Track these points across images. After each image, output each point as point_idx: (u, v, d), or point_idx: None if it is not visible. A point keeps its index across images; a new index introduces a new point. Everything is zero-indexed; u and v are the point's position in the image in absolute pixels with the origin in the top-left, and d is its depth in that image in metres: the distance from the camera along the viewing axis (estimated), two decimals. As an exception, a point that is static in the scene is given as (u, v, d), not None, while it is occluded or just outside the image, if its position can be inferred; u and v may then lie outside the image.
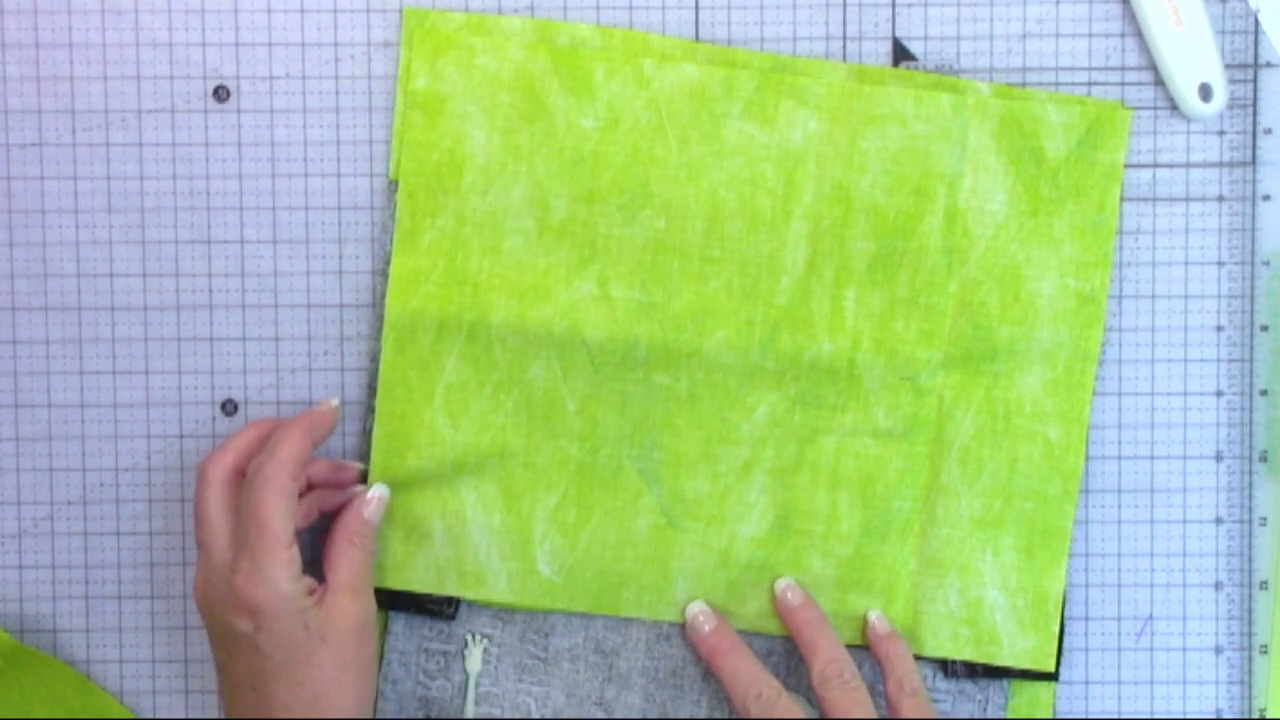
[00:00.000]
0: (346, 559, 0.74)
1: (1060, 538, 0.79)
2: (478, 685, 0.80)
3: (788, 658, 0.79)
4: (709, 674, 0.79)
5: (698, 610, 0.78)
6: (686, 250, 0.79)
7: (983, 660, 0.79)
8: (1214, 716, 0.80)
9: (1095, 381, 0.79)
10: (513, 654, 0.80)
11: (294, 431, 0.73)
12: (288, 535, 0.71)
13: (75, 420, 0.79)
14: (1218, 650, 0.80)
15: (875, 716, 0.74)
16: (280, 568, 0.71)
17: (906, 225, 0.78)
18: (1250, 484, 0.79)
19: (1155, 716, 0.80)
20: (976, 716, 0.79)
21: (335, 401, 0.77)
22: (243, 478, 0.74)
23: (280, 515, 0.71)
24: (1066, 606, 0.79)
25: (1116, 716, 0.80)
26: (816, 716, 0.75)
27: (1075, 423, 0.78)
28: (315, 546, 0.77)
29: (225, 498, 0.73)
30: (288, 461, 0.72)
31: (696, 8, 0.79)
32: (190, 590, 0.79)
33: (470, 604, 0.80)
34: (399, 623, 0.80)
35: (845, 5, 0.79)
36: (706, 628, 0.78)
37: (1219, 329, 0.79)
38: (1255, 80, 0.79)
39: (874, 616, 0.78)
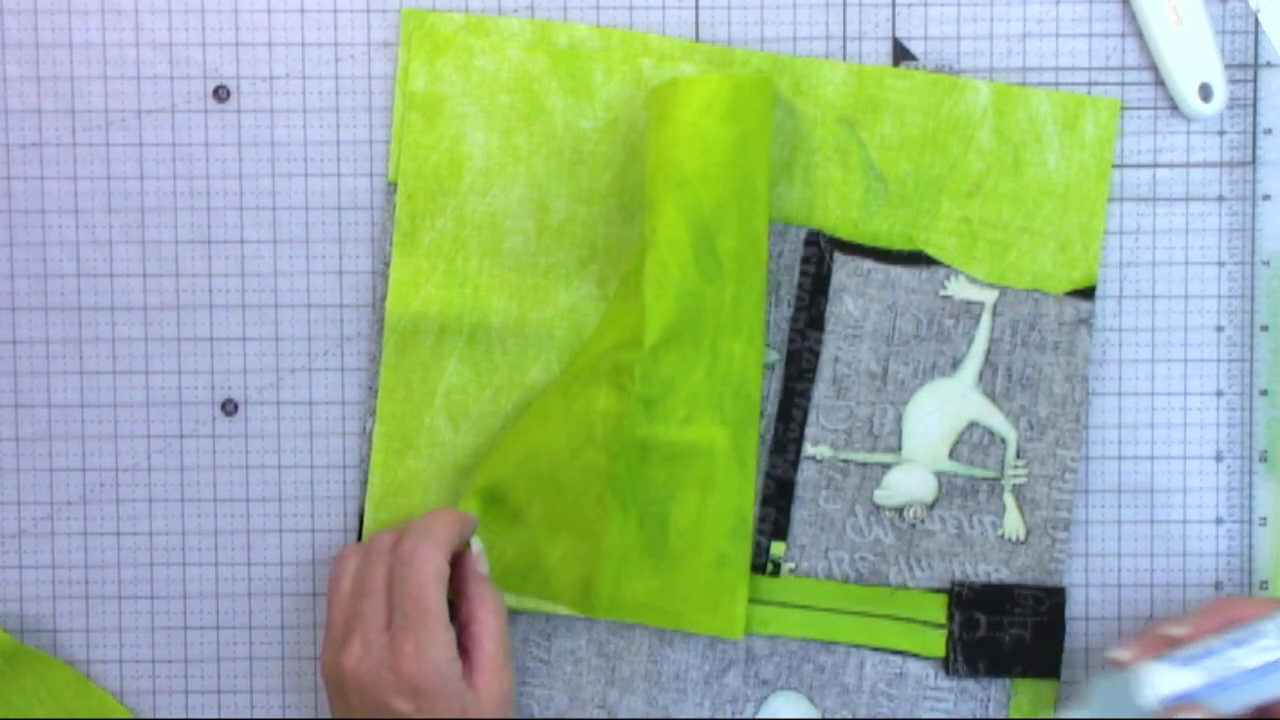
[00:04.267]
0: (488, 631, 0.72)
1: None
2: (479, 687, 0.80)
3: (789, 658, 0.79)
4: (710, 678, 0.79)
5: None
6: (687, 251, 0.79)
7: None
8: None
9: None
10: (515, 656, 0.80)
11: (448, 515, 0.73)
12: (446, 616, 0.70)
13: (75, 420, 0.79)
14: (1218, 650, 0.80)
15: None
16: (442, 649, 0.69)
17: (906, 225, 0.79)
18: (1250, 484, 0.80)
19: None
20: (979, 716, 0.79)
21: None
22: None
23: (440, 597, 0.70)
24: (1067, 606, 0.79)
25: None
26: None
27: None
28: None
29: (387, 572, 0.72)
30: (444, 542, 0.71)
31: (696, 8, 0.79)
32: (190, 590, 0.80)
33: (472, 606, 0.80)
34: (400, 624, 0.80)
35: (845, 5, 0.79)
36: None
37: (1219, 329, 0.79)
38: (1255, 80, 0.79)
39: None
